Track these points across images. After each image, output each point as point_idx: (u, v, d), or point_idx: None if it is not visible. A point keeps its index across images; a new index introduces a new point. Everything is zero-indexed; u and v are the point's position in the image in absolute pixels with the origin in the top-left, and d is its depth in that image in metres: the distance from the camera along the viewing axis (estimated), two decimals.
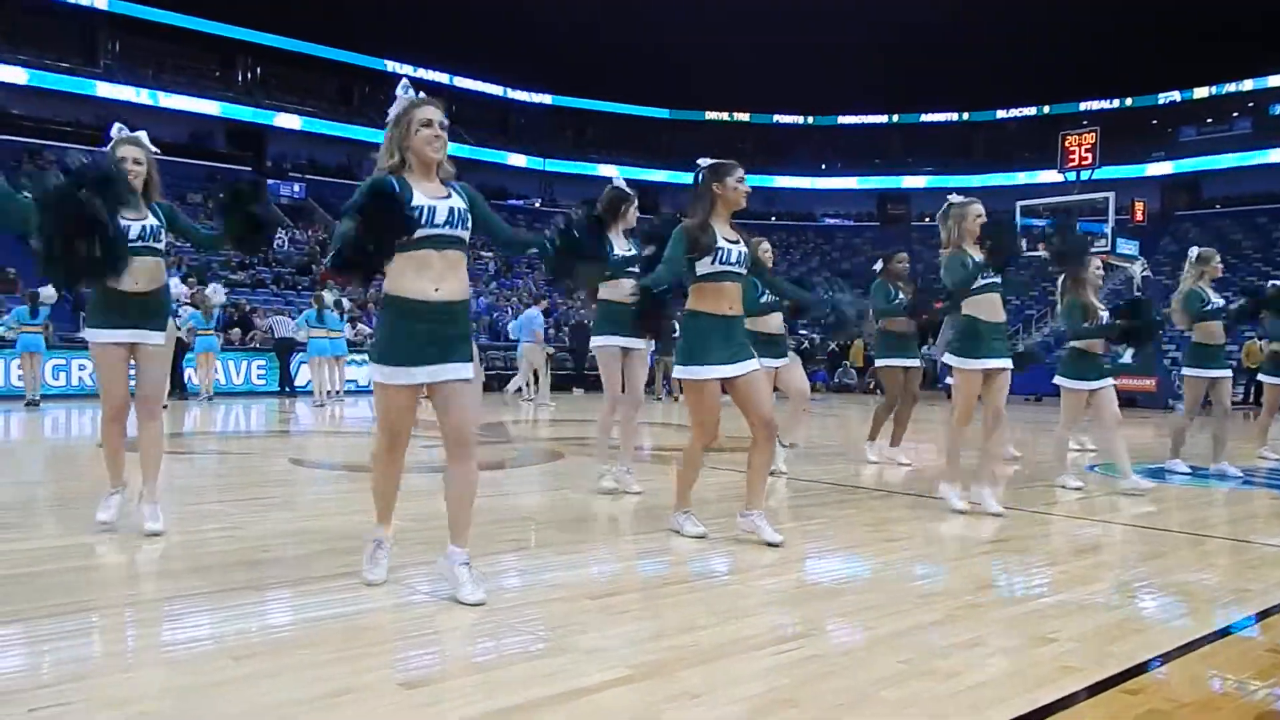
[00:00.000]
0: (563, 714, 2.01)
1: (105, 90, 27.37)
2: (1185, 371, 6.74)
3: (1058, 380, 5.82)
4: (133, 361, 3.79)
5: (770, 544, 3.76)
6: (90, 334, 3.74)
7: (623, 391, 5.03)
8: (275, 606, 2.90)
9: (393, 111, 2.89)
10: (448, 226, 2.83)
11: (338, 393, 13.58)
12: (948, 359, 4.87)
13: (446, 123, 2.88)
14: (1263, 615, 3.01)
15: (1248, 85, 32.63)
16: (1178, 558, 3.89)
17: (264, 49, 31.65)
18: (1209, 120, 34.08)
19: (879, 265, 6.95)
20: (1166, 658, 2.52)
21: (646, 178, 33.97)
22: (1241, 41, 29.60)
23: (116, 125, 3.84)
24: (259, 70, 31.98)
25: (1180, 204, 33.74)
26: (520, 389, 14.35)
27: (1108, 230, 23.12)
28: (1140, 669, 2.41)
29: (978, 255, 4.66)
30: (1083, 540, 4.17)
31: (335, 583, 3.08)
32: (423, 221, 2.76)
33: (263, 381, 15.08)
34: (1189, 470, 6.58)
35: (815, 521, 4.71)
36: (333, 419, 10.93)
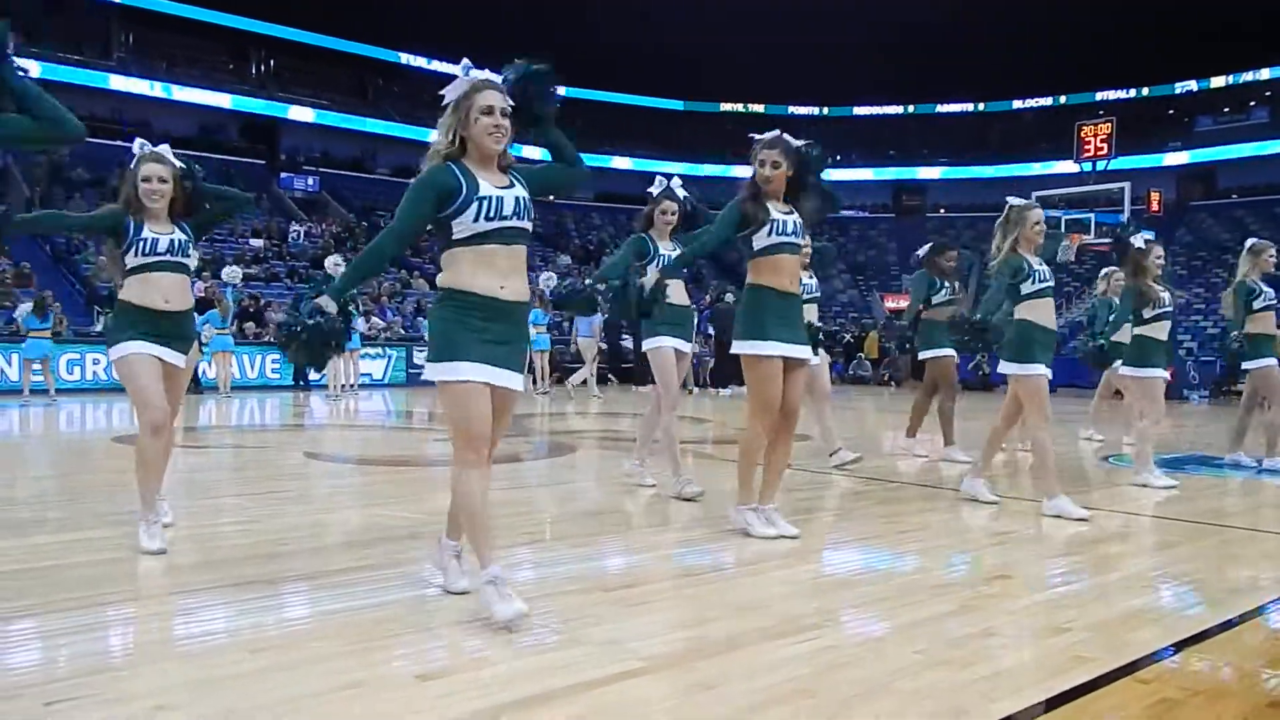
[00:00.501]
0: (577, 706, 2.02)
1: (118, 83, 27.48)
2: (1249, 365, 6.49)
3: (1126, 370, 5.72)
4: None
5: (787, 536, 3.74)
6: (117, 350, 3.51)
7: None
8: (290, 600, 2.92)
9: (451, 94, 2.68)
10: (515, 218, 2.64)
11: (352, 386, 13.66)
12: (1005, 368, 4.69)
13: (509, 109, 2.67)
14: (1274, 605, 2.98)
15: (1265, 74, 32.17)
16: (1192, 548, 3.87)
17: (277, 41, 31.66)
18: (1225, 110, 33.63)
19: (923, 253, 6.88)
20: (1179, 647, 2.51)
21: (661, 170, 33.71)
22: (1259, 30, 29.21)
23: (139, 142, 3.67)
24: (272, 63, 32.03)
25: (1196, 194, 33.36)
26: (585, 381, 14.46)
27: (1123, 220, 22.92)
28: (1153, 658, 2.40)
29: (1034, 261, 4.59)
30: (1097, 530, 4.15)
31: (350, 576, 3.10)
32: (490, 213, 2.59)
33: (277, 375, 15.18)
34: None
35: (829, 513, 4.72)
36: (347, 412, 10.99)
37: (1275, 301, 6.42)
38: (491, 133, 2.64)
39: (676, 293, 4.86)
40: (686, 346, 4.97)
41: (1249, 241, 6.53)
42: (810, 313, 5.79)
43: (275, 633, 2.57)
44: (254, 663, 2.25)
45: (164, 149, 3.67)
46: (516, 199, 2.66)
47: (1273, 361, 6.42)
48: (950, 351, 6.71)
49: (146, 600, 2.90)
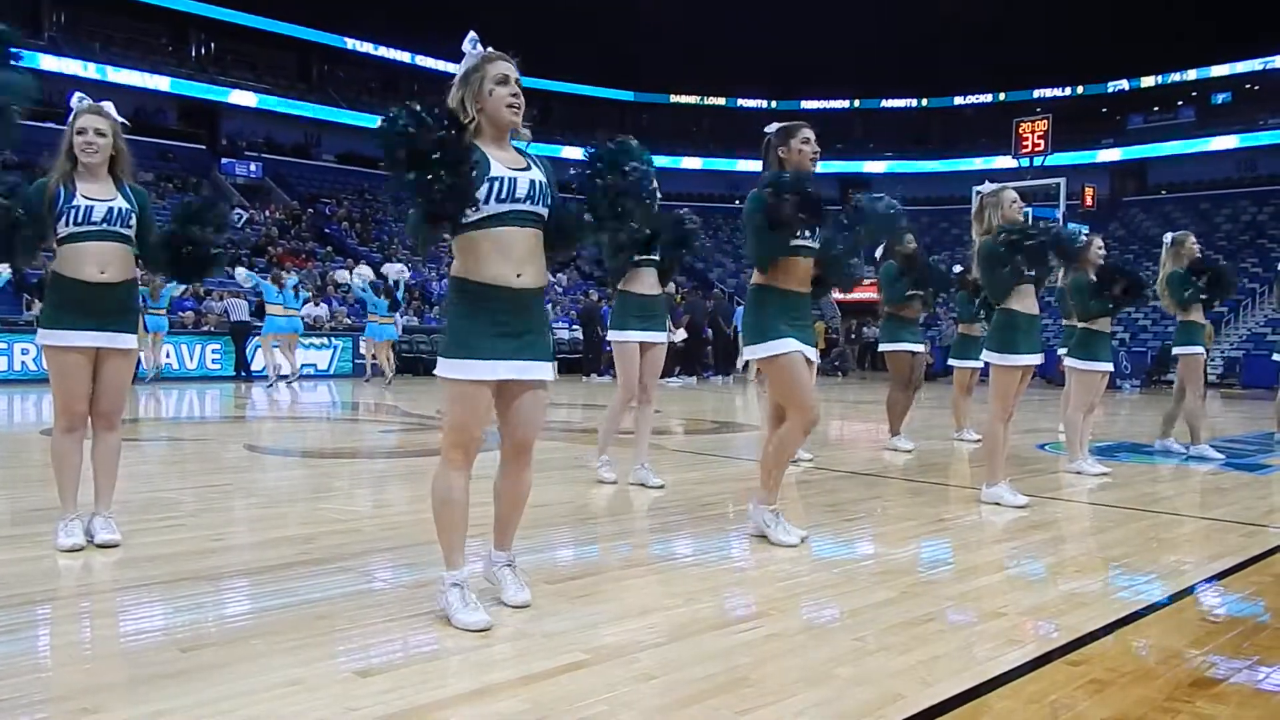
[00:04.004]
0: (518, 700, 2.01)
1: (50, 64, 26.27)
2: (1178, 351, 6.74)
3: (1070, 362, 5.82)
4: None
5: (787, 544, 3.50)
6: (45, 336, 3.18)
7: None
8: (228, 596, 2.85)
9: (461, 68, 2.53)
10: (529, 202, 2.49)
11: (286, 377, 13.39)
12: (987, 356, 4.66)
13: (520, 79, 2.54)
14: (1197, 587, 3.12)
15: (1191, 75, 33.40)
16: (1122, 533, 4.01)
17: (217, 23, 30.68)
18: (1155, 109, 34.83)
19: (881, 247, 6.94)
20: (1108, 629, 2.60)
21: None
22: (1185, 32, 30.31)
23: (77, 95, 3.36)
24: (212, 45, 31.08)
25: (1128, 190, 34.48)
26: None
27: (1059, 215, 23.59)
28: (1083, 641, 2.48)
29: None
30: (1034, 517, 4.28)
31: (292, 571, 3.04)
32: (501, 195, 2.45)
33: (217, 366, 14.80)
34: (1220, 455, 6.57)
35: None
36: (291, 404, 10.76)
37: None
38: (509, 103, 2.49)
39: (648, 282, 4.85)
40: (659, 336, 4.93)
41: (1168, 236, 6.72)
42: None
43: (212, 630, 2.50)
44: (187, 661, 2.19)
45: (106, 105, 3.35)
46: (532, 182, 2.50)
47: (1200, 349, 6.67)
48: (905, 345, 6.82)
49: (79, 598, 2.81)
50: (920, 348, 6.99)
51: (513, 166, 2.50)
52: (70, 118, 3.27)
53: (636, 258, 4.81)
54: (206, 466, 5.85)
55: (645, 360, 4.89)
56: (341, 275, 15.10)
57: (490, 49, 2.56)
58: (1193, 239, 6.60)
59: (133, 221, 3.31)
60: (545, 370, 2.58)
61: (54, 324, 3.19)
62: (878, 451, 6.70)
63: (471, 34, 2.57)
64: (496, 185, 2.45)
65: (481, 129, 2.50)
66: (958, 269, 7.59)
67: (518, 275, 2.48)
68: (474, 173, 2.39)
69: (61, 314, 3.18)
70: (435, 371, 2.54)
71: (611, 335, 4.92)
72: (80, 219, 3.17)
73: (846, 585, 3.02)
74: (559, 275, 24.83)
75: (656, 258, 4.89)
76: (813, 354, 3.62)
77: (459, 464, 2.53)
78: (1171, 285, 6.48)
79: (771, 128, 3.60)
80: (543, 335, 2.59)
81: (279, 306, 12.88)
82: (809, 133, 3.57)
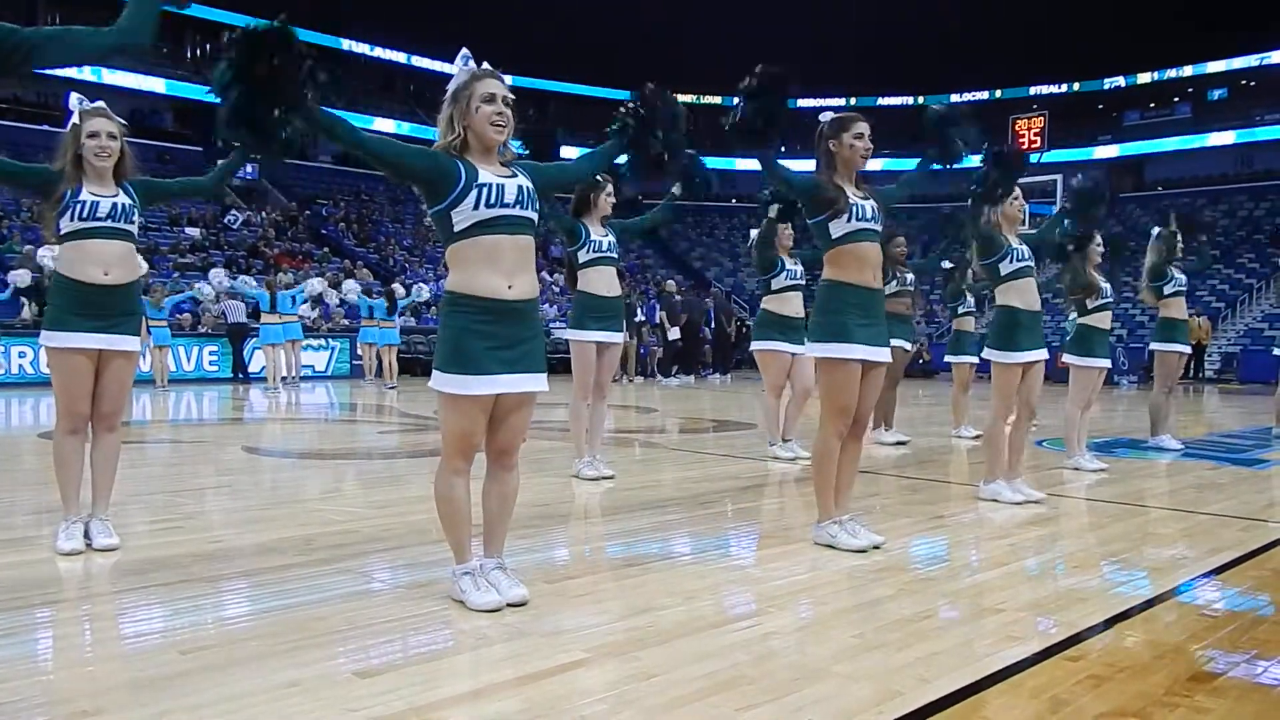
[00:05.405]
0: (520, 698, 2.01)
1: None
2: (1155, 347, 6.88)
3: (1069, 358, 5.84)
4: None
5: (863, 549, 3.40)
6: (49, 338, 3.19)
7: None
8: (227, 598, 2.85)
9: (451, 84, 2.63)
10: (518, 207, 2.58)
11: (294, 378, 13.40)
12: (988, 354, 4.60)
13: (512, 99, 2.63)
14: (1195, 581, 3.12)
15: (1188, 71, 33.43)
16: (1120, 528, 4.02)
17: (213, 25, 30.66)
18: (1152, 105, 34.86)
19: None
20: (1107, 624, 2.60)
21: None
22: (1181, 29, 30.34)
23: (75, 96, 3.34)
24: (208, 47, 31.06)
25: (1125, 186, 34.45)
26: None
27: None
28: (1082, 636, 2.49)
29: (1013, 239, 4.52)
30: (1031, 513, 4.28)
31: (290, 573, 3.04)
32: (490, 200, 2.53)
33: (215, 368, 14.78)
34: (1180, 445, 6.69)
35: (773, 500, 4.78)
36: (289, 406, 10.75)
37: (1184, 287, 6.74)
38: (494, 121, 2.59)
39: (605, 283, 4.95)
40: (616, 337, 5.05)
41: (1155, 230, 6.81)
42: (796, 302, 5.89)
43: (211, 632, 2.51)
44: (187, 663, 2.19)
45: (102, 105, 3.34)
46: (520, 188, 2.60)
47: (1178, 346, 6.78)
48: (898, 342, 6.89)
49: (79, 602, 2.81)
50: (908, 344, 7.08)
51: (500, 175, 2.60)
52: (74, 119, 3.26)
53: (595, 256, 4.89)
54: (204, 468, 5.84)
55: (601, 359, 5.00)
56: (336, 291, 15.24)
57: (484, 65, 2.66)
58: (1179, 237, 6.69)
59: (135, 217, 3.32)
60: (540, 382, 2.66)
61: (57, 326, 3.21)
62: (872, 447, 6.70)
63: (464, 50, 2.66)
64: (486, 191, 2.54)
65: (469, 143, 2.61)
66: (947, 265, 7.63)
67: (509, 286, 2.56)
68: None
69: (65, 316, 3.20)
70: (431, 384, 2.62)
71: (569, 334, 5.02)
72: (86, 214, 3.17)
73: (845, 582, 3.02)
74: (556, 275, 24.80)
75: (615, 255, 4.98)
76: (885, 354, 3.48)
77: (461, 470, 2.65)
78: (1151, 275, 6.67)
79: (825, 116, 3.48)
80: (536, 346, 2.66)
81: (275, 315, 12.89)
82: (864, 127, 3.42)
